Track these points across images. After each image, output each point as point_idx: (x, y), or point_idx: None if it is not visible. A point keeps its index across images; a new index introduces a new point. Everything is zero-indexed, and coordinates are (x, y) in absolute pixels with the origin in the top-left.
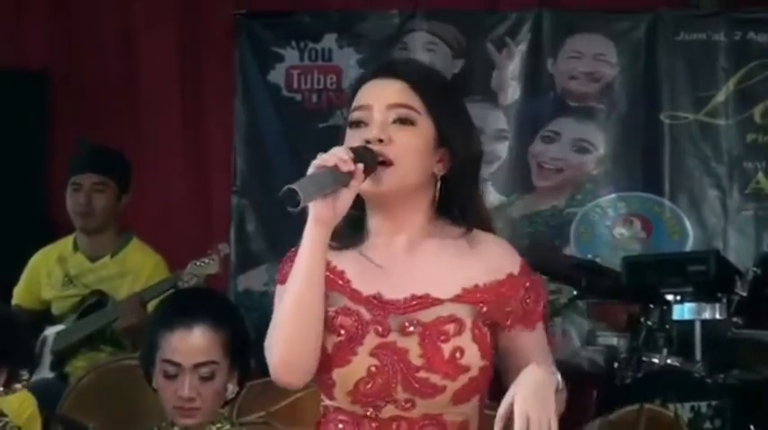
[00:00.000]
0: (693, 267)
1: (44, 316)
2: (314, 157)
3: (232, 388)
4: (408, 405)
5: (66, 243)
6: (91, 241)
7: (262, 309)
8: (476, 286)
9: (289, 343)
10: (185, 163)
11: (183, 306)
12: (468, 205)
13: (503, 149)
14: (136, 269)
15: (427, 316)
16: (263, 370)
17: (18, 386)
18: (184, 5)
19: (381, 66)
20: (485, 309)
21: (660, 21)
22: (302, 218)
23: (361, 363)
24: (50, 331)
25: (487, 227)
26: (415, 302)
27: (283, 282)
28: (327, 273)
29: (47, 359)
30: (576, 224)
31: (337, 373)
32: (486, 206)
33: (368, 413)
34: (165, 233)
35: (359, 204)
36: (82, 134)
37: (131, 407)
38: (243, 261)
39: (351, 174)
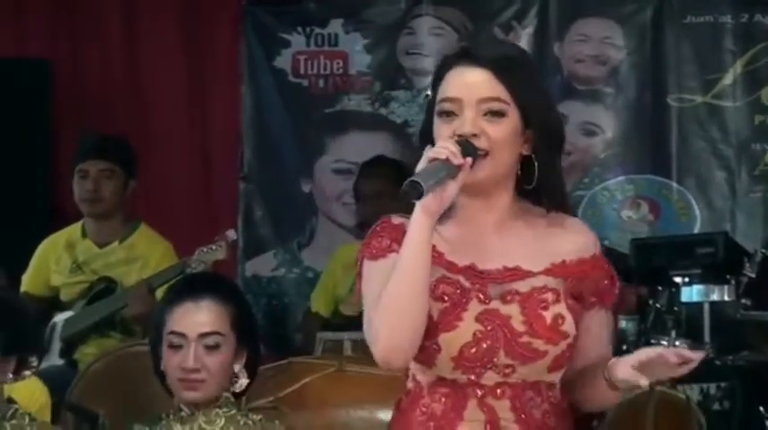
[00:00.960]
0: (702, 249)
1: (53, 302)
2: (320, 142)
3: (239, 370)
4: (509, 370)
5: (74, 229)
6: (99, 227)
7: (270, 295)
8: (563, 262)
9: (399, 329)
10: (191, 150)
11: (191, 284)
12: (552, 182)
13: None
14: (144, 255)
15: (523, 286)
16: (273, 354)
17: (27, 373)
18: None
19: (465, 50)
20: (572, 283)
21: (667, 3)
22: (307, 202)
23: (467, 329)
24: (59, 318)
25: (566, 207)
26: (508, 273)
27: (375, 257)
28: None
29: (56, 346)
30: (583, 207)
31: (443, 338)
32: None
33: (470, 379)
34: (171, 220)
35: None
36: (86, 123)
37: (141, 394)
38: (251, 247)
39: (459, 167)
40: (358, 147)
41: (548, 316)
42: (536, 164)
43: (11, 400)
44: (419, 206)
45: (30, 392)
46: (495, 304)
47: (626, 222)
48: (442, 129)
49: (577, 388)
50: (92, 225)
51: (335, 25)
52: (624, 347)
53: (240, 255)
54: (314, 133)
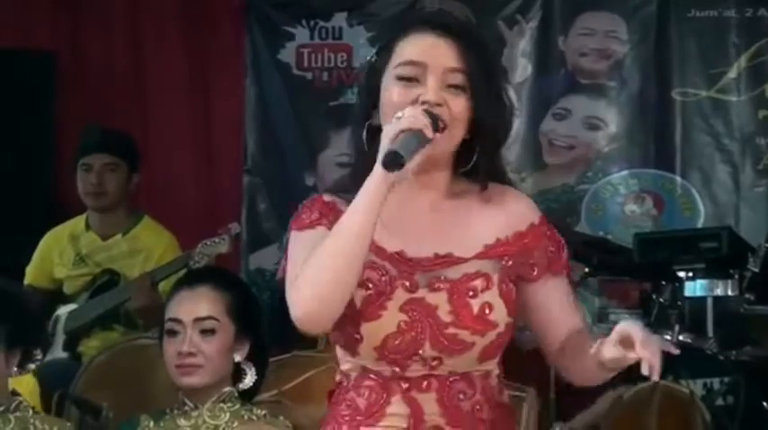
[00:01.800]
0: (705, 244)
1: (56, 295)
2: (324, 136)
3: (242, 359)
4: (435, 362)
5: (77, 222)
6: (102, 220)
7: (273, 288)
8: (497, 240)
9: (328, 295)
10: (195, 143)
11: (191, 275)
12: (487, 161)
13: (513, 127)
14: (148, 247)
15: (454, 273)
16: (276, 347)
17: (32, 366)
18: None
19: (435, 19)
20: (510, 262)
21: None
22: (311, 196)
23: (391, 319)
24: (63, 310)
25: (503, 179)
26: (439, 261)
27: (302, 228)
28: None
29: (60, 339)
30: (587, 201)
31: (366, 328)
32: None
33: (395, 371)
34: (175, 213)
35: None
36: (90, 117)
37: (144, 387)
38: (254, 240)
39: (430, 141)
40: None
41: (475, 305)
42: (476, 144)
43: (15, 393)
44: (380, 173)
45: (25, 387)
46: (421, 293)
47: (629, 217)
48: (397, 95)
49: (565, 367)
50: (95, 218)
51: (339, 18)
52: None
53: (244, 248)
54: (318, 126)
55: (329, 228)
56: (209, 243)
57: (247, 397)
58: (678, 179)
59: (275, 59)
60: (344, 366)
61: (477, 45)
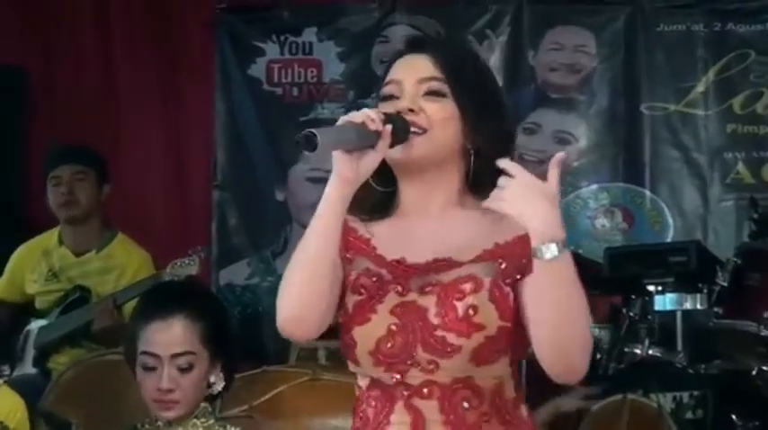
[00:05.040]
0: (674, 258)
1: (27, 309)
2: (295, 150)
3: (215, 379)
4: (432, 366)
5: (50, 236)
6: (75, 235)
7: (244, 303)
8: (496, 244)
9: (297, 297)
10: (165, 160)
11: (162, 298)
12: (490, 169)
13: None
14: (122, 264)
15: (447, 276)
16: (246, 362)
17: (0, 381)
18: (162, 2)
19: (411, 41)
20: (504, 265)
21: (640, 12)
22: (281, 211)
23: (380, 322)
24: (34, 326)
25: None
26: (435, 265)
27: None
28: (353, 239)
29: (30, 354)
30: None
31: (357, 332)
32: None
33: (395, 379)
34: (146, 228)
35: (391, 180)
36: (60, 132)
37: (114, 403)
38: (225, 255)
39: (378, 135)
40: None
41: (460, 307)
42: (472, 158)
43: None
44: (333, 170)
45: (8, 406)
46: (412, 296)
47: (599, 231)
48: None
49: (547, 361)
50: (68, 233)
51: (309, 34)
52: (598, 356)
53: (214, 263)
54: (288, 142)
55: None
56: (178, 263)
57: (210, 401)
58: (647, 193)
59: (245, 75)
60: (359, 379)
61: (453, 53)
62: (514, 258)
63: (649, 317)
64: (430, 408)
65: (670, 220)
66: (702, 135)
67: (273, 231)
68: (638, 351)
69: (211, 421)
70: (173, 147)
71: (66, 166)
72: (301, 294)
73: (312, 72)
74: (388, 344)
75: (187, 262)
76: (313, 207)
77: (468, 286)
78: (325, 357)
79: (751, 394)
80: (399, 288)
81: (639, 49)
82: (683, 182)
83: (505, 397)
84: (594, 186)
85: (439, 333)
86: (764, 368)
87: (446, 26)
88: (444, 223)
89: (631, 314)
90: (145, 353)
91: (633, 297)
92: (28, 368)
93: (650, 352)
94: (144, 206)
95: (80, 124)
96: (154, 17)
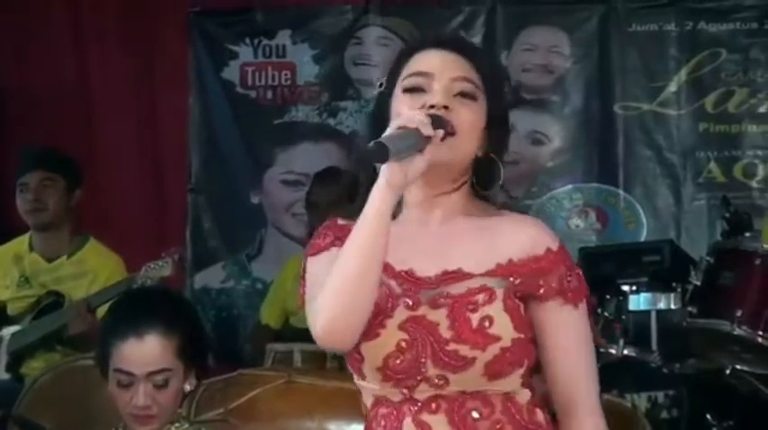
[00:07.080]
0: (648, 257)
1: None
2: (269, 153)
3: (189, 386)
4: (441, 382)
5: (20, 242)
6: (46, 241)
7: (219, 307)
8: (510, 261)
9: (343, 309)
10: (140, 163)
11: (134, 312)
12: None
13: None
14: (94, 270)
15: (458, 289)
16: (222, 366)
17: None
18: (136, 4)
19: (443, 37)
20: (517, 280)
21: (613, 12)
22: (256, 214)
23: (390, 337)
24: (6, 332)
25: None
26: (445, 277)
27: (318, 253)
28: None
29: (2, 360)
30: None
31: (365, 347)
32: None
33: (404, 394)
34: (121, 232)
35: None
36: (36, 137)
37: (88, 408)
38: (199, 258)
39: (428, 139)
40: (307, 158)
41: (474, 318)
42: (499, 163)
43: None
44: (383, 178)
45: None
46: (422, 310)
47: (574, 231)
48: (405, 105)
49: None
50: (38, 239)
51: (283, 36)
52: None
53: (189, 266)
54: (262, 144)
55: None
56: (152, 266)
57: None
58: (621, 193)
59: (219, 78)
60: (364, 397)
61: (486, 59)
62: (529, 277)
63: (624, 317)
64: (439, 423)
65: (644, 220)
66: (675, 134)
67: (249, 234)
68: (612, 351)
69: (186, 426)
70: (148, 150)
71: (35, 173)
72: (345, 306)
73: (286, 74)
74: (397, 361)
75: (160, 264)
76: (288, 209)
77: (480, 297)
78: (300, 360)
79: (725, 393)
80: (409, 301)
81: (613, 49)
82: (656, 181)
83: (518, 401)
84: (569, 186)
85: (451, 347)
86: (738, 367)
87: (420, 27)
88: (451, 231)
89: (606, 314)
90: (119, 370)
91: (608, 297)
92: (1, 374)
93: (625, 352)
94: (120, 210)
95: (54, 127)
96: (128, 19)
